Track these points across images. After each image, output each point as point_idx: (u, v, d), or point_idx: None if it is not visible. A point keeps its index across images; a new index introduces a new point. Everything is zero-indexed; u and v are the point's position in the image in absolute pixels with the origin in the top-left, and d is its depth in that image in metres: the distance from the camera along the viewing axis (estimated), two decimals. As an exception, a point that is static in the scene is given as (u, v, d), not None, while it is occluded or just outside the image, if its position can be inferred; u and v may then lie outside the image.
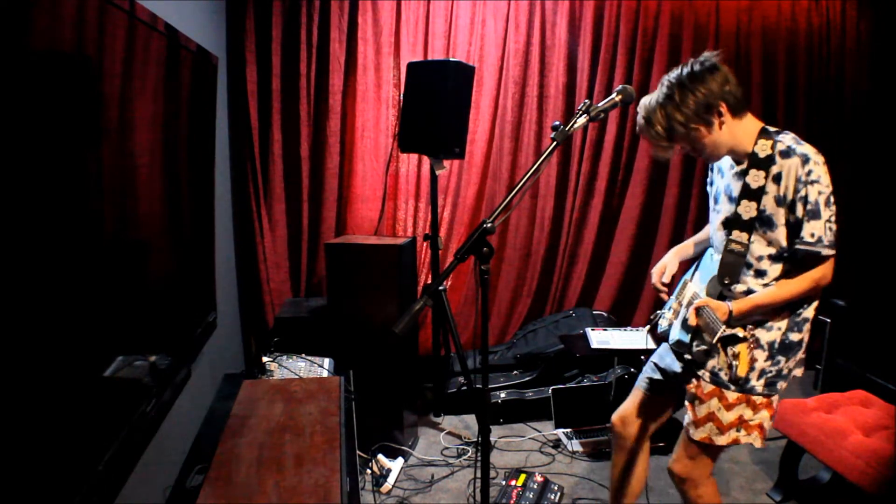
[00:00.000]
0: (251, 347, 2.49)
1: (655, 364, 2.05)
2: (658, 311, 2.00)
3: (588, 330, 3.23)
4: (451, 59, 3.07)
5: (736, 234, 1.71)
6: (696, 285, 1.92)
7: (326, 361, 2.57)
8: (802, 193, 1.58)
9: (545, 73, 3.86)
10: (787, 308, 1.72)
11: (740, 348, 1.57)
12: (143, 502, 1.79)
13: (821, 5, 3.99)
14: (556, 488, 2.67)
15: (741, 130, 1.70)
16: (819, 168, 1.59)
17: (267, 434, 1.79)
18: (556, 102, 3.86)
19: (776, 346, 1.73)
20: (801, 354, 1.76)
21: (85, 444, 1.23)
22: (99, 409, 1.32)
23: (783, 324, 1.73)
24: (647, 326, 2.04)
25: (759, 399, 1.76)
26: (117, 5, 1.31)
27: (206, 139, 2.39)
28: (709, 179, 1.96)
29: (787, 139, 1.65)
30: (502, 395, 3.44)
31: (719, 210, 1.83)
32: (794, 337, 1.73)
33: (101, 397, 1.35)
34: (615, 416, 2.15)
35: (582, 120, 1.60)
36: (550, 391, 3.24)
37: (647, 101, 1.76)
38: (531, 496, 2.58)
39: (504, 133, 3.86)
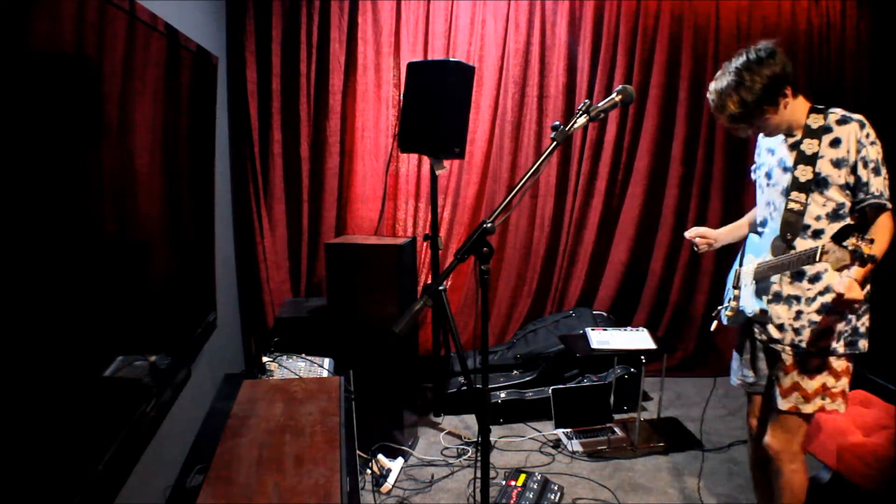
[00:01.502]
0: (251, 347, 2.49)
1: (744, 363, 2.09)
2: (718, 308, 2.07)
3: (588, 330, 3.23)
4: (451, 59, 3.08)
5: (794, 195, 1.87)
6: (750, 264, 2.02)
7: (326, 361, 2.57)
8: (863, 154, 1.78)
9: (545, 73, 3.86)
10: None
11: (851, 240, 1.65)
12: (143, 502, 1.79)
13: (821, 5, 3.99)
14: (556, 488, 2.67)
15: (797, 107, 1.88)
16: (873, 132, 1.81)
17: (267, 434, 1.79)
18: (556, 102, 3.86)
19: None
20: (865, 306, 1.90)
21: (85, 445, 1.23)
22: (99, 410, 1.33)
23: None
24: (714, 324, 2.10)
25: (839, 366, 1.88)
26: (117, 5, 1.31)
27: (205, 139, 2.40)
28: (755, 166, 2.08)
29: (839, 111, 1.85)
30: (502, 395, 3.44)
31: (774, 184, 1.96)
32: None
33: (101, 397, 1.35)
34: (750, 420, 2.17)
35: (582, 120, 1.61)
36: (550, 391, 3.24)
37: (717, 86, 1.88)
38: (531, 496, 2.58)
39: (504, 133, 3.86)
